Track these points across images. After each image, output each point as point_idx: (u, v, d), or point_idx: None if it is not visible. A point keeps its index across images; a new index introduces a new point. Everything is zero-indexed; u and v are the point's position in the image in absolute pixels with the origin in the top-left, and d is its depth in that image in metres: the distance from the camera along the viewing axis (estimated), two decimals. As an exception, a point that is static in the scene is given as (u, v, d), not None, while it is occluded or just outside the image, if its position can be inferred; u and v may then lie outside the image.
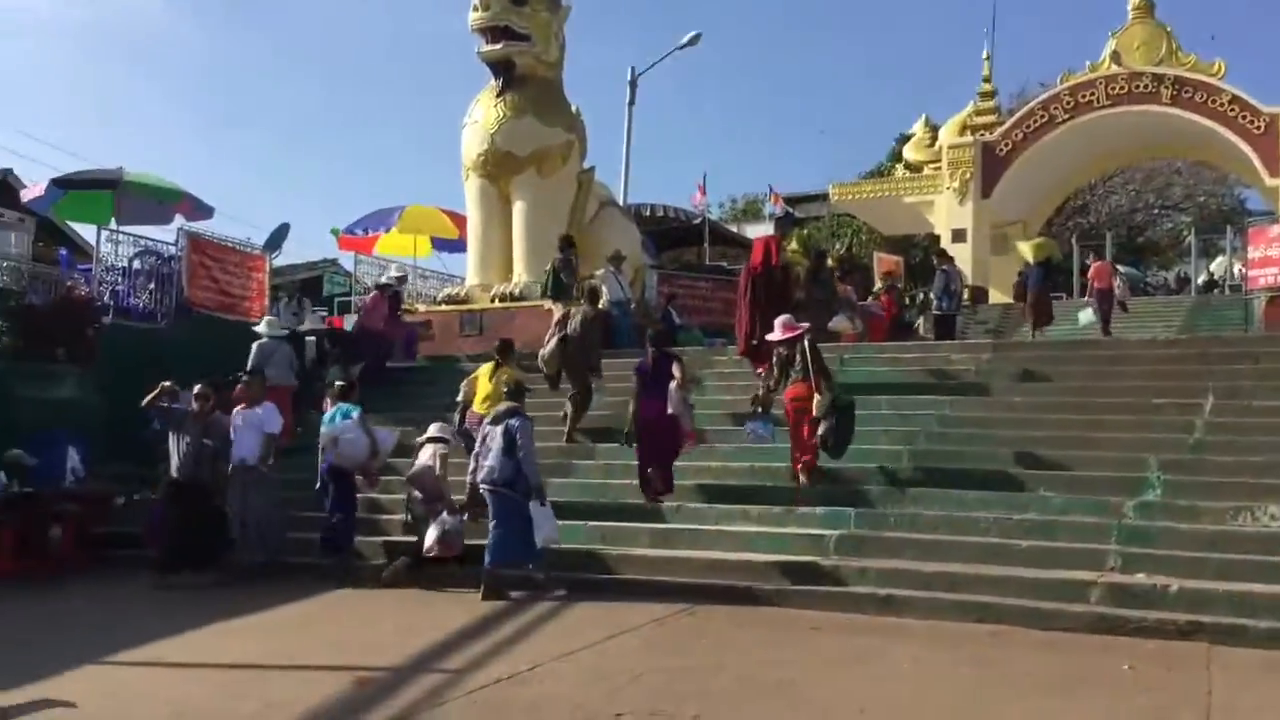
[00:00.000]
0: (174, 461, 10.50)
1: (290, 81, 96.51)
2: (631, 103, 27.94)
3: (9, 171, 21.58)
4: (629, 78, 28.01)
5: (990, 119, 29.64)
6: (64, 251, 17.94)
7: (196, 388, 10.80)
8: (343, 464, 10.36)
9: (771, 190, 32.54)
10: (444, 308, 18.23)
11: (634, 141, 27.75)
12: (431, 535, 9.71)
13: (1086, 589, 8.15)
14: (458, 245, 21.61)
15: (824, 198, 34.17)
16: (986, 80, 30.77)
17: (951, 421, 11.74)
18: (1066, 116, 27.67)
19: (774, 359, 10.95)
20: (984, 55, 30.82)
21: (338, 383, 11.52)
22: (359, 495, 10.80)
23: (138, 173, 16.41)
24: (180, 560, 10.22)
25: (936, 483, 10.40)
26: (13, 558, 10.72)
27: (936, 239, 28.31)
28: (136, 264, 16.05)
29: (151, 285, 15.96)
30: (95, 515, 11.75)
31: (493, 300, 17.67)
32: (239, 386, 11.35)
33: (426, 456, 10.28)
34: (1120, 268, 23.61)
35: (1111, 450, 10.55)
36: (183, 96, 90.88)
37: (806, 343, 10.56)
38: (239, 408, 10.96)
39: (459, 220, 20.96)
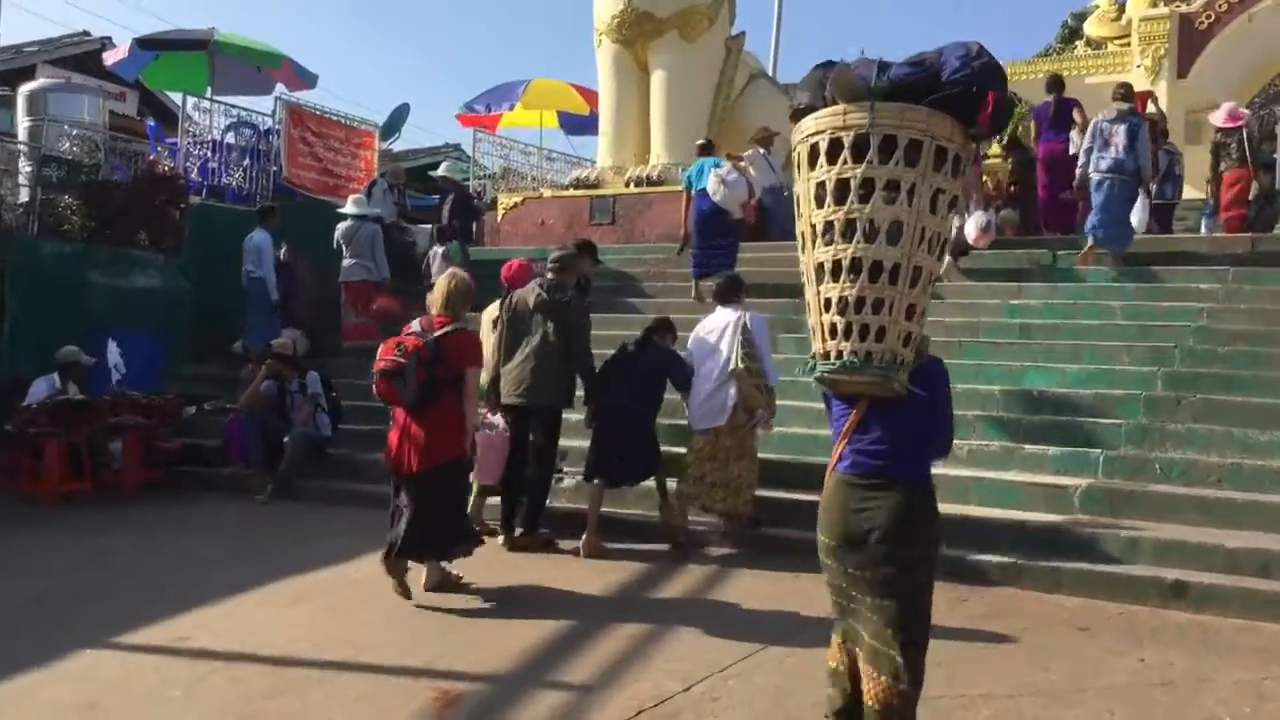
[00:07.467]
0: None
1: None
2: (781, -39, 25.13)
3: (108, 39, 19.94)
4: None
5: (1190, -13, 26.02)
6: (152, 123, 16.26)
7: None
8: (725, 205, 11.02)
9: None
10: (572, 193, 16.05)
11: (786, 13, 25.08)
12: (971, 229, 10.62)
13: None
14: (589, 124, 19.39)
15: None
16: (1186, -58, 26.99)
17: (1214, 336, 9.10)
18: (1280, -17, 23.98)
19: (1211, 146, 13.11)
20: (1182, -88, 27.01)
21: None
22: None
23: (231, 34, 14.60)
24: None
25: (1206, 416, 7.91)
26: (62, 478, 9.08)
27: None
28: (230, 137, 14.31)
29: (246, 162, 14.24)
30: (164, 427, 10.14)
31: (627, 184, 15.39)
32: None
33: None
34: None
35: None
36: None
37: (1245, 133, 12.32)
38: None
39: (590, 96, 18.83)
